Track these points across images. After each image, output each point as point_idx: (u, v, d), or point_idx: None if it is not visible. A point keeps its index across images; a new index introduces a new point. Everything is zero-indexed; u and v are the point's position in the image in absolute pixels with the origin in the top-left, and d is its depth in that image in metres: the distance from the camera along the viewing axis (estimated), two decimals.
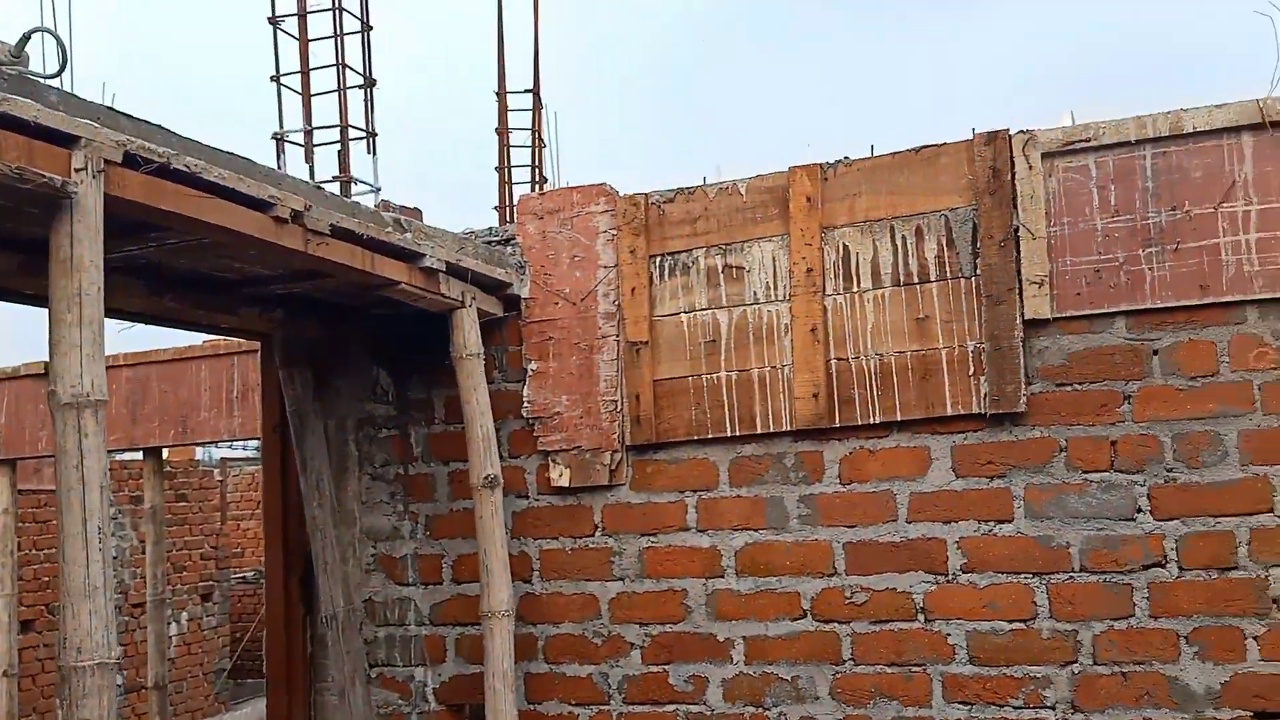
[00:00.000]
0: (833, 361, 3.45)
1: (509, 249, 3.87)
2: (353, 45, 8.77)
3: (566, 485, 3.74)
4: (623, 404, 3.68)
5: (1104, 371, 3.22)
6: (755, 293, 3.57)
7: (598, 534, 3.73)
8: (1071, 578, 3.21)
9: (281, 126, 8.63)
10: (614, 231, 3.74)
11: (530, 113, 10.71)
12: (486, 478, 3.55)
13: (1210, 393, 3.12)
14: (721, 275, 3.61)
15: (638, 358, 3.66)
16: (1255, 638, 3.06)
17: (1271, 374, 3.07)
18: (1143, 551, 3.16)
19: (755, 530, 3.52)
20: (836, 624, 3.42)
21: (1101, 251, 3.22)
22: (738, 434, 3.55)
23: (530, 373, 3.81)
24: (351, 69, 8.70)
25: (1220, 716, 3.07)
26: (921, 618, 3.34)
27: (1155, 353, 3.18)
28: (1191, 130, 3.15)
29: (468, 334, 3.59)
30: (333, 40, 8.63)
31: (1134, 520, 3.17)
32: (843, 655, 3.41)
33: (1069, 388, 3.25)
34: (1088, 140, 3.24)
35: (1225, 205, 3.12)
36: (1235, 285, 3.10)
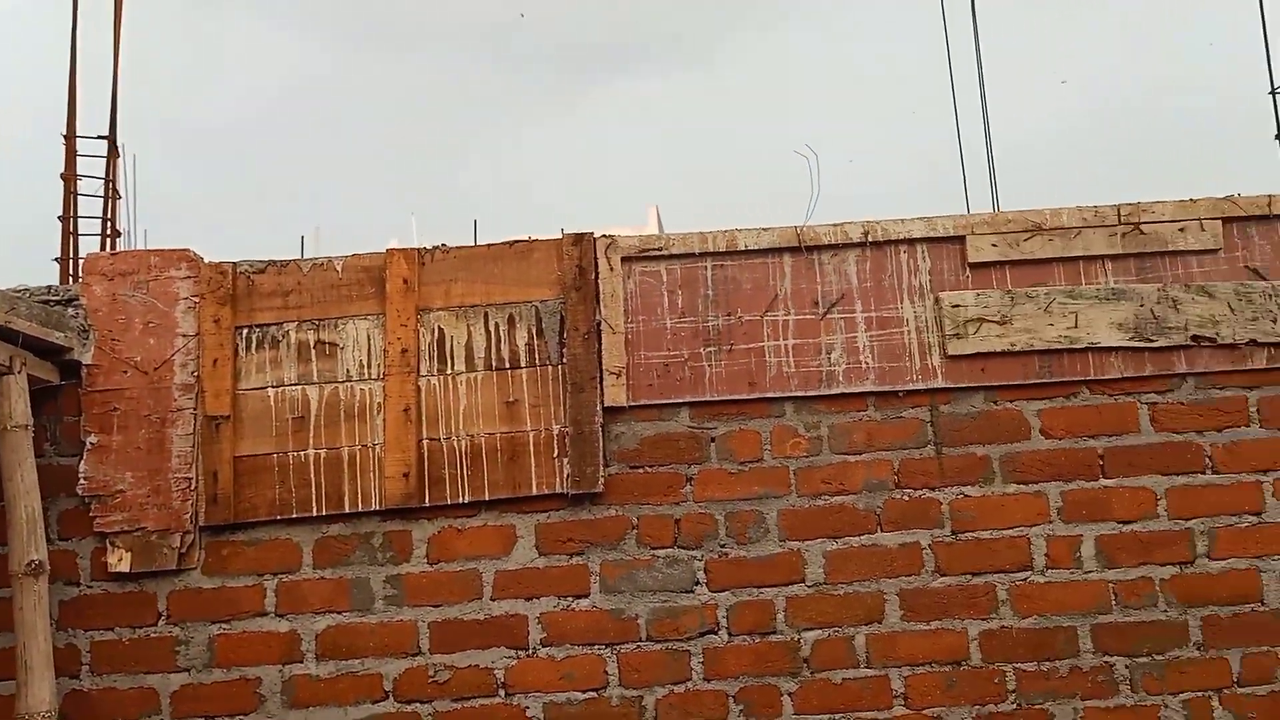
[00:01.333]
0: (424, 441, 3.40)
1: (71, 310, 3.43)
2: None
3: (127, 571, 3.33)
4: (198, 482, 3.36)
5: (671, 456, 3.44)
6: (348, 370, 3.44)
7: (161, 622, 3.34)
8: (639, 647, 3.36)
9: None
10: (196, 299, 3.45)
11: (105, 160, 9.68)
12: (30, 564, 3.07)
13: (755, 476, 3.44)
14: (314, 351, 3.44)
15: (217, 433, 3.37)
16: (790, 694, 3.35)
17: (804, 460, 3.45)
18: (699, 620, 3.37)
19: (339, 612, 3.34)
20: (419, 704, 3.31)
21: (670, 348, 3.47)
22: (324, 513, 3.37)
23: (89, 446, 3.37)
24: None
25: None
26: (503, 692, 3.33)
27: (713, 440, 3.45)
28: (744, 248, 3.50)
29: (15, 403, 3.11)
30: None
31: (693, 592, 3.39)
32: None
33: (641, 470, 3.43)
34: (660, 249, 3.50)
35: (769, 314, 3.49)
36: (776, 383, 3.46)
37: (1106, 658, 3.36)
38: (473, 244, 3.55)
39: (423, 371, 3.43)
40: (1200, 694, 3.34)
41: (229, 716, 3.30)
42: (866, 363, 3.47)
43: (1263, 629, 3.35)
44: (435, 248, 3.49)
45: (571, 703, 3.34)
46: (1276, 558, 3.38)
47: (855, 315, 3.50)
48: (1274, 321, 3.41)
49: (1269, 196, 3.48)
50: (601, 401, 3.42)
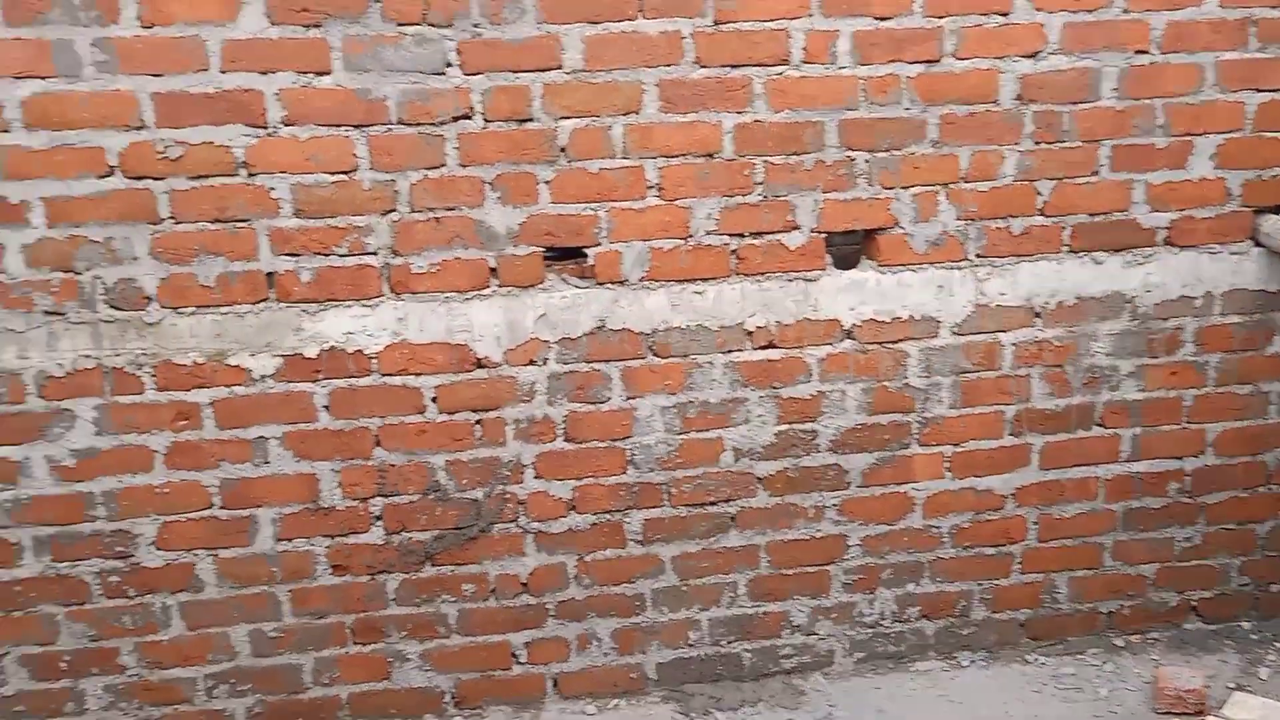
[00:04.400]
0: None
1: None
2: None
3: None
4: None
5: None
6: None
7: None
8: (390, 130, 3.07)
9: None
10: None
11: None
12: None
13: None
14: None
15: None
16: (546, 183, 3.18)
17: None
18: (453, 104, 3.08)
19: (44, 78, 2.85)
20: (151, 181, 2.97)
21: None
22: None
23: None
24: None
25: (518, 253, 3.21)
26: (244, 172, 3.02)
27: None
28: None
29: None
30: None
31: (444, 74, 3.06)
32: (160, 214, 3.00)
33: None
34: None
35: None
36: None
37: (849, 153, 3.29)
38: None
39: None
40: (929, 188, 3.35)
41: None
42: None
43: (993, 128, 3.33)
44: None
45: (320, 185, 3.07)
46: (1015, 59, 3.29)
47: None
48: None
49: None
50: None
